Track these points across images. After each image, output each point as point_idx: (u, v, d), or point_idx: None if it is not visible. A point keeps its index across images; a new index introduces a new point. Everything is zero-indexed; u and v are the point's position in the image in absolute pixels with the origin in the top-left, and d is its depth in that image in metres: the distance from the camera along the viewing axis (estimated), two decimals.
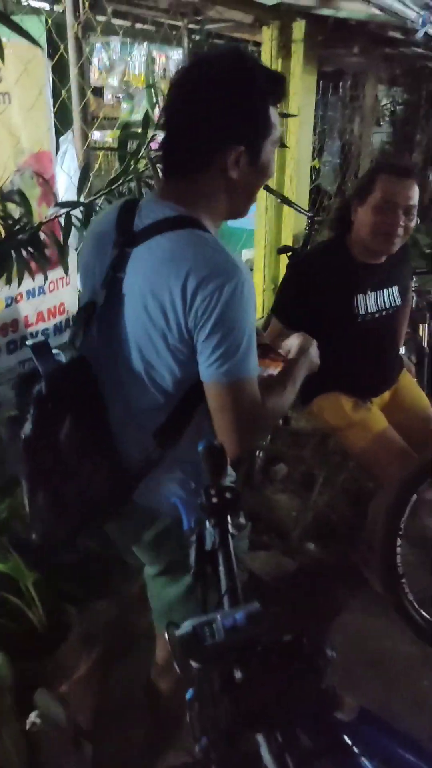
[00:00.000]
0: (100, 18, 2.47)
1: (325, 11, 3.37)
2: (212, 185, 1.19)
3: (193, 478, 1.28)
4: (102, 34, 2.62)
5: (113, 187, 1.98)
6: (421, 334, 2.90)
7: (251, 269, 4.99)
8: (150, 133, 1.99)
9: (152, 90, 2.02)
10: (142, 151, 2.00)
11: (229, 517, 0.96)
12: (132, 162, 1.98)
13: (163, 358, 1.19)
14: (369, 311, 2.18)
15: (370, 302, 2.18)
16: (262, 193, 3.45)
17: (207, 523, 0.96)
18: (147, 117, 1.95)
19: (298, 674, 0.79)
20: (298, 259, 2.42)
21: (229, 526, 0.96)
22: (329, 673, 0.78)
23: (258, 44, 3.80)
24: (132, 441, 1.26)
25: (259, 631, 0.82)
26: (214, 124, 1.15)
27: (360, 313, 2.16)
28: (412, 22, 2.81)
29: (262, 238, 4.02)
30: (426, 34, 2.97)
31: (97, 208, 2.04)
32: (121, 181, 1.99)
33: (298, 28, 3.58)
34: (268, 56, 3.68)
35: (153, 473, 1.26)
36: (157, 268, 1.15)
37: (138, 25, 3.41)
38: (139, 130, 1.98)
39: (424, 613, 2.03)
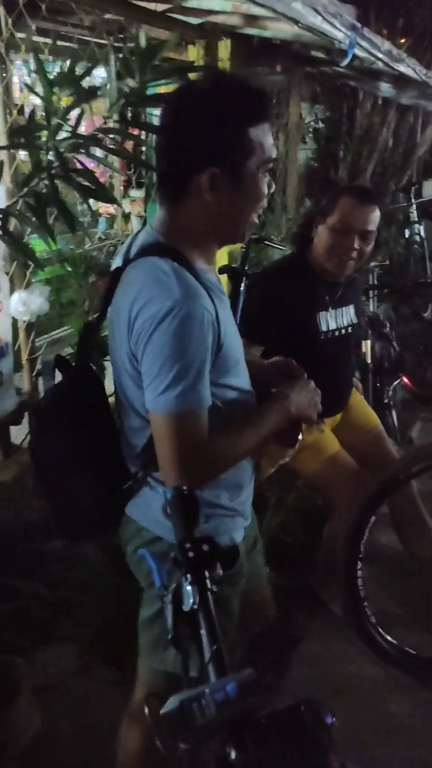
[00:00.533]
0: (20, 35, 2.37)
1: (251, 31, 3.38)
2: (193, 211, 1.17)
3: None
4: (26, 52, 2.52)
5: (28, 186, 1.88)
6: (364, 350, 2.91)
7: None
8: (54, 122, 1.90)
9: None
10: (49, 143, 1.91)
11: (207, 572, 0.88)
12: (42, 157, 1.88)
13: (128, 383, 1.21)
14: (330, 329, 2.16)
15: (331, 320, 2.16)
16: None
17: (183, 580, 0.88)
18: (48, 109, 1.86)
19: (301, 751, 0.72)
20: (259, 275, 2.38)
21: (208, 582, 0.88)
22: (333, 747, 0.72)
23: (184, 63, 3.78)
24: (128, 457, 1.30)
25: (254, 702, 0.75)
26: (182, 148, 1.14)
27: (323, 329, 2.14)
28: (340, 43, 2.84)
29: None
30: (354, 55, 3.01)
31: (16, 212, 1.93)
32: (35, 181, 1.89)
33: (224, 47, 3.57)
34: (194, 75, 3.66)
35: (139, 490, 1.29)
36: (119, 295, 1.21)
37: (63, 43, 3.32)
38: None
39: (387, 635, 2.01)
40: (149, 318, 1.08)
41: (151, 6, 3.13)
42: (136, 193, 5.73)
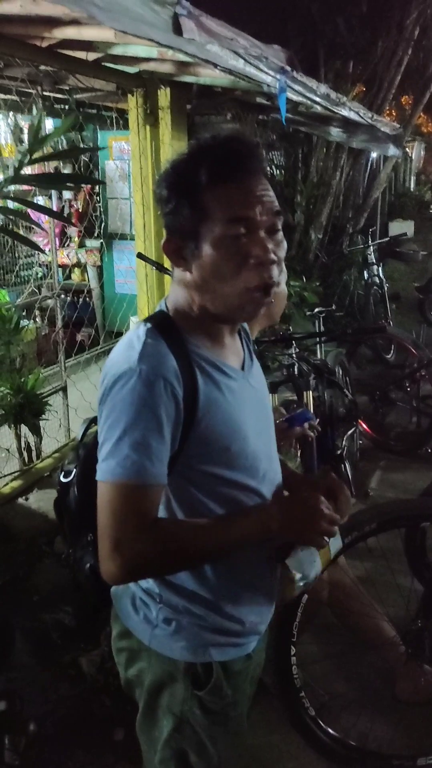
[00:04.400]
0: None
1: (187, 78, 3.32)
2: (178, 281, 1.12)
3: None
4: None
5: None
6: (306, 401, 2.75)
7: None
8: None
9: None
10: None
11: None
12: None
13: None
14: None
15: None
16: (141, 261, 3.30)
17: None
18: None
19: None
20: None
21: None
22: None
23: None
24: None
25: None
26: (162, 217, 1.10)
27: None
28: (269, 86, 2.77)
29: (145, 306, 3.88)
30: (288, 99, 2.93)
31: None
32: None
33: (164, 95, 3.52)
34: (135, 124, 3.61)
35: None
36: None
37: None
38: None
39: (327, 727, 1.78)
40: (107, 380, 1.05)
41: (82, 55, 3.07)
42: (92, 243, 5.68)
